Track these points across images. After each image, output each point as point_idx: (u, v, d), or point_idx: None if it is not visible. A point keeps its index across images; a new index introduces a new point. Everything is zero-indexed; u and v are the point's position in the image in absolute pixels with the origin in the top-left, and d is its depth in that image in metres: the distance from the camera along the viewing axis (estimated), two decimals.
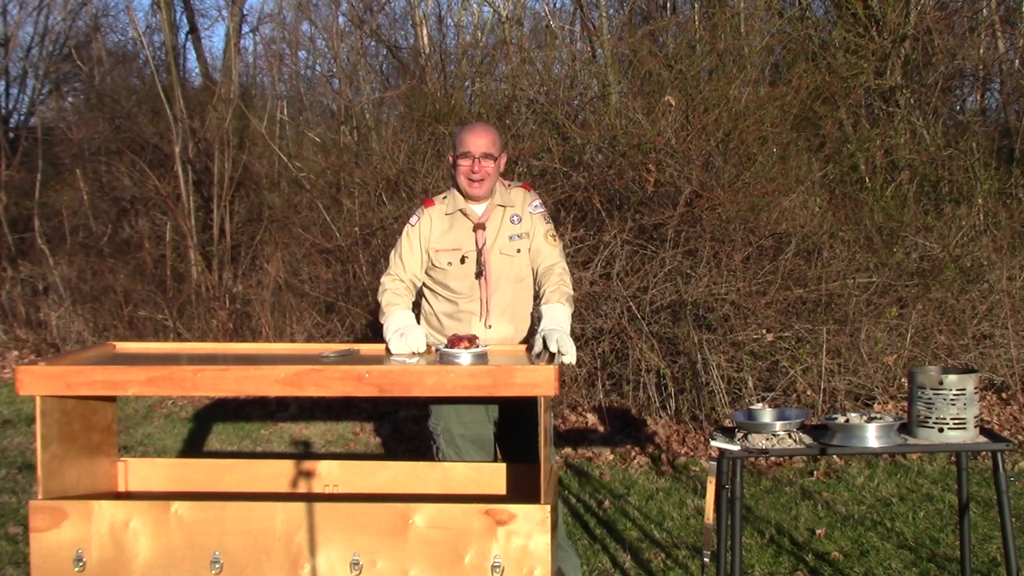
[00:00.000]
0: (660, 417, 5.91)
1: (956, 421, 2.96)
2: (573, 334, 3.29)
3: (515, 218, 3.44)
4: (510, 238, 3.42)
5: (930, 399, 2.98)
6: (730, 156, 6.20)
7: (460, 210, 3.43)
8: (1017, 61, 8.31)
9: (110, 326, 8.53)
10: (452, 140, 3.62)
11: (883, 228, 6.48)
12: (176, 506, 2.81)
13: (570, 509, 4.81)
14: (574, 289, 3.49)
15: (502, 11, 8.62)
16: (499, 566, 2.74)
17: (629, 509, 4.80)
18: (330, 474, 3.32)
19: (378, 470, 3.34)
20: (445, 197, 3.49)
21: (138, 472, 3.36)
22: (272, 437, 6.34)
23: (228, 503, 2.86)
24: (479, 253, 3.38)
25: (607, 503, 4.89)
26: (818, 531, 4.40)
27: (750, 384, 5.69)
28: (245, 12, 12.06)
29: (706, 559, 3.16)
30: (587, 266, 6.06)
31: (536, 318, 3.40)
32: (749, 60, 6.79)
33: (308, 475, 3.30)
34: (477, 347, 2.99)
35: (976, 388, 2.99)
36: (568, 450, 5.73)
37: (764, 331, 5.73)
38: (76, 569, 2.80)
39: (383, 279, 3.49)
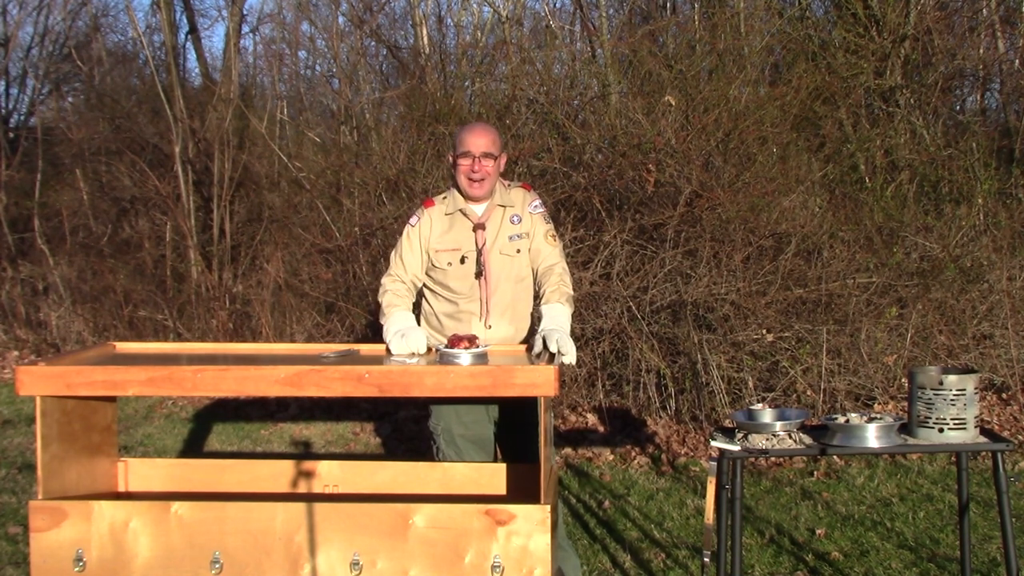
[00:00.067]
0: (660, 417, 5.91)
1: (956, 421, 2.96)
2: (573, 334, 3.29)
3: (515, 218, 3.44)
4: (510, 238, 3.42)
5: (930, 399, 2.98)
6: (730, 156, 6.20)
7: (460, 210, 3.43)
8: (1017, 61, 8.31)
9: (110, 326, 8.53)
10: (452, 140, 3.62)
11: (883, 228, 6.48)
12: (176, 506, 2.81)
13: (570, 509, 4.81)
14: (574, 289, 3.49)
15: (502, 11, 8.62)
16: (499, 566, 2.74)
17: (629, 509, 4.80)
18: (330, 474, 3.32)
19: (378, 470, 3.34)
20: (445, 197, 3.49)
21: (138, 472, 3.36)
22: (272, 437, 6.34)
23: (228, 503, 2.86)
24: (479, 253, 3.38)
25: (607, 503, 4.89)
26: (818, 531, 4.40)
27: (750, 384, 5.69)
28: (245, 12, 12.06)
29: (706, 559, 3.17)
30: (587, 266, 6.06)
31: (536, 318, 3.39)
32: (749, 60, 6.79)
33: (308, 475, 3.30)
34: (477, 347, 2.99)
35: (976, 388, 2.99)
36: (568, 450, 5.73)
37: (764, 331, 5.73)
38: (76, 569, 2.80)
39: (383, 280, 3.49)
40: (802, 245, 6.00)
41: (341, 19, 9.90)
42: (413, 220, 3.48)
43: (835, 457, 5.35)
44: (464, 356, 2.95)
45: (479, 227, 3.40)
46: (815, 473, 5.24)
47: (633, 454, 5.67)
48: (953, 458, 4.99)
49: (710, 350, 5.67)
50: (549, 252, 3.44)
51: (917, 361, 6.01)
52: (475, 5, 9.47)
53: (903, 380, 5.86)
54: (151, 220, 9.22)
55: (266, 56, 11.59)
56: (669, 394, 5.88)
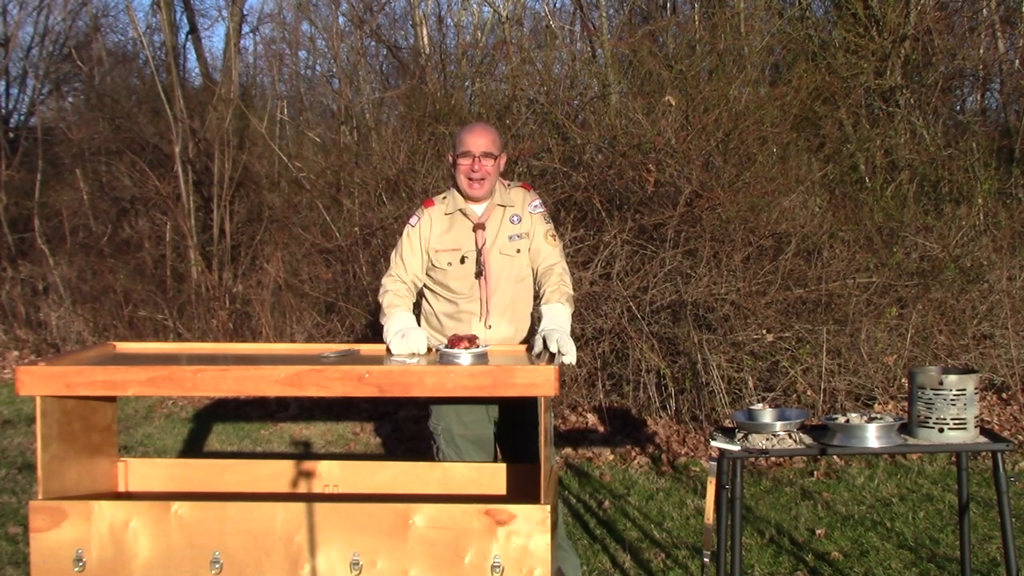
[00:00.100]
0: (660, 417, 5.91)
1: (956, 421, 2.96)
2: (573, 334, 3.29)
3: (515, 218, 3.44)
4: (510, 238, 3.42)
5: (930, 399, 2.98)
6: (730, 156, 6.20)
7: (460, 210, 3.43)
8: (1017, 61, 8.31)
9: (110, 326, 8.53)
10: (452, 140, 3.62)
11: (883, 228, 6.48)
12: (176, 506, 2.81)
13: (570, 509, 4.81)
14: (574, 289, 3.49)
15: (502, 11, 8.62)
16: (499, 566, 2.74)
17: (629, 509, 4.80)
18: (330, 474, 3.32)
19: (378, 470, 3.34)
20: (445, 197, 3.49)
21: (138, 472, 3.36)
22: (272, 437, 6.34)
23: (228, 503, 2.86)
24: (479, 253, 3.38)
25: (607, 503, 4.89)
26: (818, 531, 4.40)
27: (750, 384, 5.69)
28: (245, 12, 12.06)
29: (706, 559, 3.16)
30: (587, 266, 6.06)
31: (536, 318, 3.39)
32: (749, 60, 6.79)
33: (308, 475, 3.30)
34: (477, 347, 2.99)
35: (976, 388, 2.99)
36: (568, 450, 5.73)
37: (764, 331, 5.73)
38: (76, 569, 2.80)
39: (384, 280, 3.49)
40: (802, 245, 6.00)
41: (341, 19, 9.91)
42: (413, 220, 3.48)
43: (835, 457, 5.35)
44: (464, 356, 2.95)
45: (479, 227, 3.40)
46: (815, 473, 5.24)
47: (633, 454, 5.67)
48: (953, 458, 4.99)
49: (710, 350, 5.68)
50: (549, 252, 3.44)
51: (917, 361, 6.01)
52: (475, 5, 9.48)
53: (903, 380, 5.86)
54: (151, 220, 9.22)
55: (266, 56, 11.60)
56: (669, 394, 5.88)
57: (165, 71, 10.14)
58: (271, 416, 6.72)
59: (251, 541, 2.79)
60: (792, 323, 5.78)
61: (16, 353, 9.05)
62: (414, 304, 3.48)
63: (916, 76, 7.68)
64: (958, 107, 8.72)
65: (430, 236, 3.43)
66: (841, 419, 3.04)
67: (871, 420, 2.99)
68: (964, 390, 2.96)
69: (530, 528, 2.74)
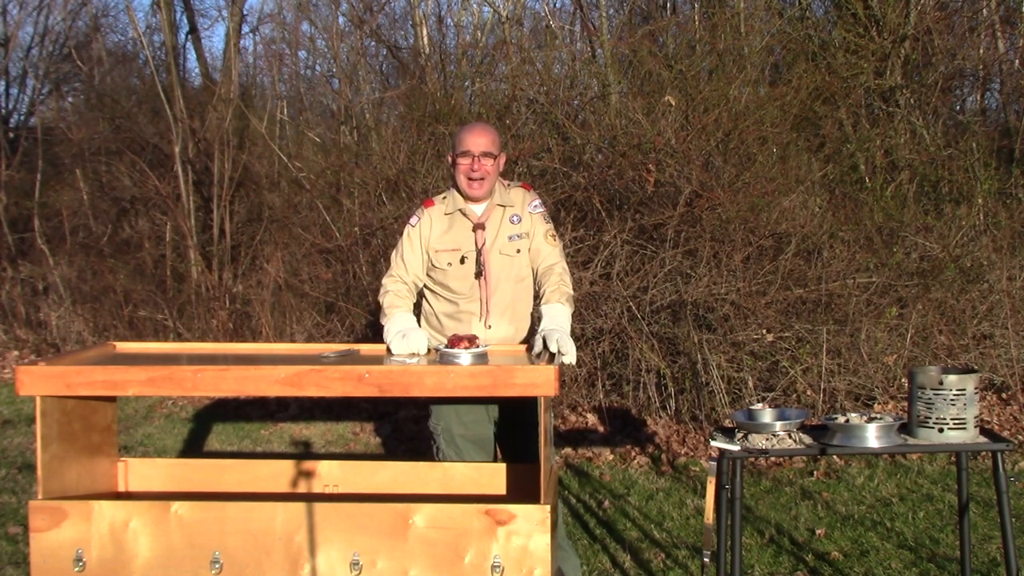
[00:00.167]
0: (660, 417, 5.91)
1: (956, 421, 2.96)
2: (573, 334, 3.29)
3: (515, 218, 3.44)
4: (510, 238, 3.42)
5: (930, 399, 2.98)
6: (730, 156, 6.20)
7: (459, 210, 3.43)
8: (1017, 61, 8.31)
9: (110, 326, 8.53)
10: (452, 140, 3.62)
11: (883, 228, 6.48)
12: (176, 506, 2.81)
13: (570, 509, 4.81)
14: (574, 289, 3.49)
15: (502, 11, 8.62)
16: (499, 566, 2.74)
17: (629, 509, 4.80)
18: (330, 474, 3.32)
19: (378, 470, 3.34)
20: (445, 197, 3.49)
21: (138, 472, 3.36)
22: (272, 437, 6.34)
23: (228, 503, 2.86)
24: (479, 253, 3.38)
25: (607, 503, 4.89)
26: (818, 531, 4.40)
27: (750, 384, 5.69)
28: (245, 12, 12.06)
29: (706, 559, 3.17)
30: (587, 266, 6.06)
31: (536, 318, 3.39)
32: (749, 60, 6.79)
33: (308, 475, 3.30)
34: (477, 347, 2.99)
35: (976, 388, 2.99)
36: (568, 450, 5.73)
37: (764, 331, 5.73)
38: (76, 569, 2.80)
39: (384, 280, 3.48)
40: (802, 245, 6.00)
41: (341, 19, 9.91)
42: (413, 220, 3.48)
43: (835, 457, 5.35)
44: (464, 356, 2.95)
45: (479, 227, 3.40)
46: (815, 473, 5.24)
47: (633, 454, 5.67)
48: (953, 458, 4.99)
49: (710, 350, 5.68)
50: (549, 252, 3.44)
51: (917, 361, 6.01)
52: (475, 5, 9.48)
53: (903, 380, 5.86)
54: (151, 220, 9.22)
55: (266, 56, 11.60)
56: (669, 394, 5.88)
57: (165, 71, 10.14)
58: (271, 416, 6.72)
59: (251, 541, 2.79)
60: (792, 323, 5.78)
61: (16, 353, 9.05)
62: (414, 304, 3.48)
63: (916, 76, 7.68)
64: (958, 107, 8.72)
65: (430, 236, 3.43)
66: (841, 419, 3.04)
67: (871, 420, 2.99)
68: (964, 390, 2.96)
69: (530, 528, 2.74)
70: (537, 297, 3.43)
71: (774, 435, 3.02)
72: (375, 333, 6.66)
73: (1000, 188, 7.13)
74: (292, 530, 2.79)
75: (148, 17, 13.52)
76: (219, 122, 8.92)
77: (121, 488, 3.32)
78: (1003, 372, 6.17)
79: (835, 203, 6.63)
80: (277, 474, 3.34)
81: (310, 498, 3.19)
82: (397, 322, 3.33)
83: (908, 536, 4.33)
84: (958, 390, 2.96)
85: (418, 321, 3.43)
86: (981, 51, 8.25)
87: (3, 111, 13.32)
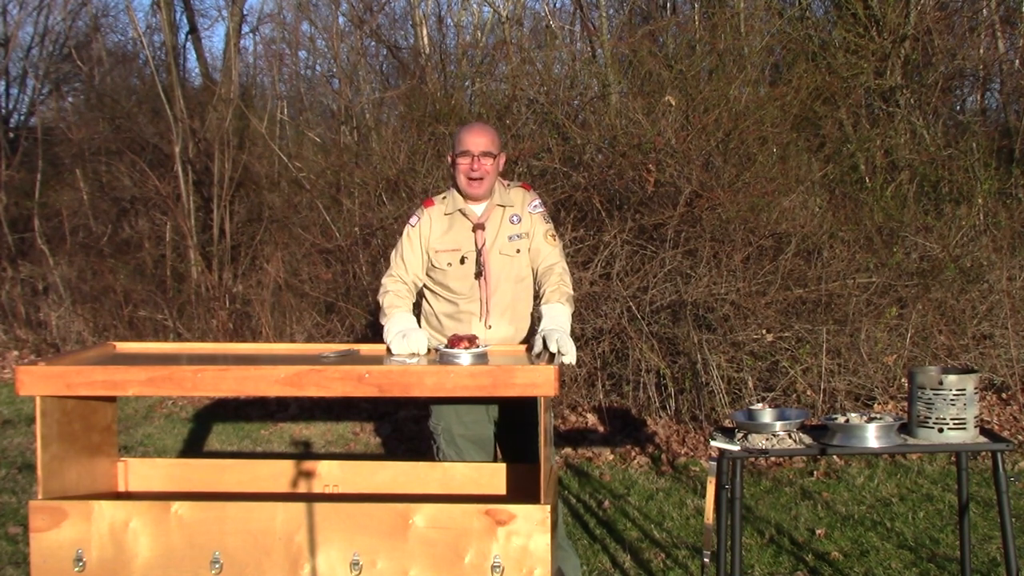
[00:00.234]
0: (660, 417, 5.91)
1: (956, 421, 2.96)
2: (573, 334, 3.29)
3: (515, 218, 3.44)
4: (509, 238, 3.42)
5: (930, 399, 2.98)
6: (730, 156, 6.20)
7: (459, 210, 3.43)
8: (1017, 61, 8.31)
9: (110, 326, 8.53)
10: (452, 140, 3.62)
11: (883, 228, 6.48)
12: (176, 506, 2.81)
13: (570, 509, 4.81)
14: (574, 289, 3.49)
15: (502, 11, 8.62)
16: (499, 566, 2.74)
17: (629, 509, 4.80)
18: (330, 474, 3.32)
19: (378, 470, 3.34)
20: (445, 197, 3.49)
21: (138, 472, 3.36)
22: (272, 437, 6.34)
23: (228, 503, 2.86)
24: (478, 253, 3.38)
25: (607, 503, 4.89)
26: (818, 531, 4.40)
27: (750, 384, 5.69)
28: (245, 12, 12.06)
29: (706, 559, 3.17)
30: (587, 266, 6.06)
31: (536, 318, 3.39)
32: (749, 60, 6.79)
33: (308, 475, 3.30)
34: (477, 347, 2.99)
35: (976, 388, 2.99)
36: (568, 450, 5.73)
37: (764, 331, 5.73)
38: (76, 569, 2.80)
39: (384, 280, 3.48)
40: (802, 245, 6.00)
41: (341, 19, 9.91)
42: (413, 220, 3.48)
43: (835, 457, 5.35)
44: (464, 356, 2.95)
45: (479, 227, 3.40)
46: (815, 473, 5.24)
47: (633, 454, 5.67)
48: (953, 458, 4.99)
49: (710, 350, 5.68)
50: (549, 252, 3.44)
51: (917, 361, 6.01)
52: (475, 5, 9.48)
53: (903, 380, 5.86)
54: (151, 220, 9.23)
55: (266, 56, 11.60)
56: (669, 394, 5.89)
57: (165, 71, 10.14)
58: (271, 416, 6.72)
59: (251, 541, 2.79)
60: (792, 323, 5.78)
61: (16, 353, 9.05)
62: (414, 304, 3.48)
63: (916, 76, 7.68)
64: (958, 107, 8.72)
65: (430, 236, 3.43)
66: (841, 419, 3.04)
67: (871, 420, 2.99)
68: (964, 390, 2.96)
69: (530, 528, 2.74)
70: (537, 297, 3.43)
71: (774, 435, 3.02)
72: (375, 333, 6.66)
73: (1000, 188, 7.13)
74: (292, 530, 2.79)
75: (148, 17, 13.54)
76: (219, 122, 8.92)
77: (121, 488, 3.32)
78: (1003, 372, 6.17)
79: (835, 203, 6.64)
80: (277, 474, 3.34)
81: (310, 498, 3.19)
82: (397, 322, 3.33)
83: (908, 536, 4.33)
84: (958, 390, 2.96)
85: (418, 321, 3.43)
86: (981, 51, 8.25)
87: (3, 111, 13.33)
